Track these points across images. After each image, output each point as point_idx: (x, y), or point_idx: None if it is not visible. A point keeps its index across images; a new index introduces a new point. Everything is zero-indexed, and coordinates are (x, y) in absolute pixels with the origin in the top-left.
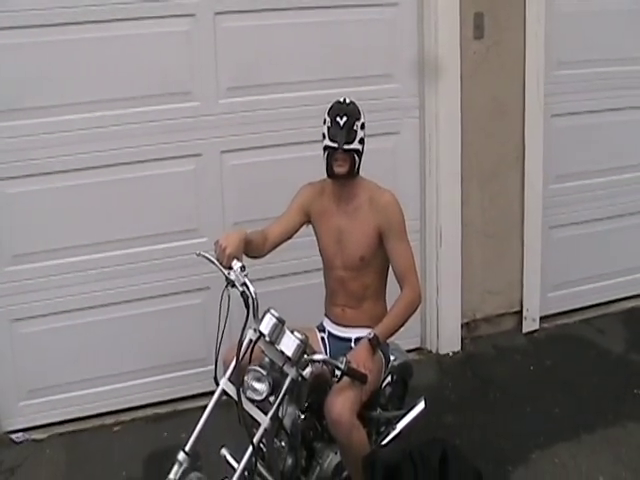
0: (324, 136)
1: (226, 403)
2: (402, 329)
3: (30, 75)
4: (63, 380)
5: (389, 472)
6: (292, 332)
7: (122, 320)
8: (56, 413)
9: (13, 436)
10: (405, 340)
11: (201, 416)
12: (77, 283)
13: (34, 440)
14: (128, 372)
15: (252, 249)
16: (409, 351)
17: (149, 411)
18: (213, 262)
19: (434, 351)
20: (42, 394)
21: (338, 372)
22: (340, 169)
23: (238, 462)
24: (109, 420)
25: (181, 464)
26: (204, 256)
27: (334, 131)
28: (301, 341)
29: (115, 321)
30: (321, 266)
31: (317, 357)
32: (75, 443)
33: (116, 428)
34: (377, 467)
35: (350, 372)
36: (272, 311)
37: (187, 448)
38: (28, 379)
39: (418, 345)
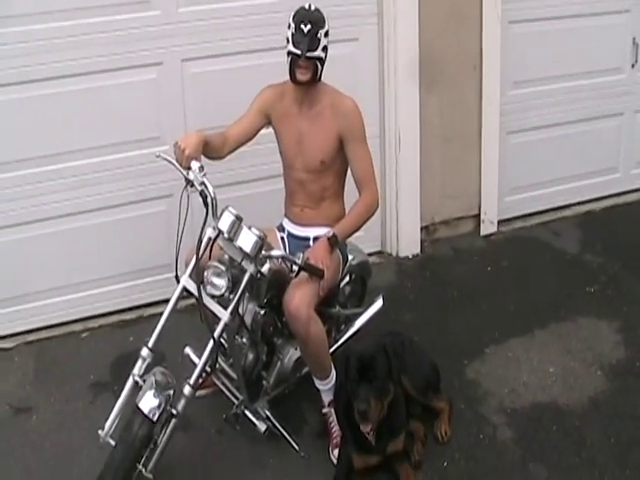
0: (288, 41)
1: (190, 308)
2: (362, 232)
3: None
4: (30, 289)
5: (363, 364)
6: (250, 228)
7: (87, 229)
8: (23, 322)
9: None
10: (366, 244)
11: (164, 312)
12: (42, 193)
13: (2, 349)
14: (95, 280)
15: (211, 150)
16: (370, 254)
17: (116, 317)
18: (172, 163)
19: (394, 254)
20: (9, 304)
21: (296, 268)
22: (302, 76)
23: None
24: (76, 327)
25: (144, 359)
26: (163, 157)
27: (298, 38)
28: (258, 237)
29: (80, 230)
30: (279, 173)
31: (275, 253)
32: (43, 350)
33: (84, 335)
34: (351, 359)
35: (307, 267)
36: (230, 209)
37: (150, 344)
38: None
39: (378, 249)
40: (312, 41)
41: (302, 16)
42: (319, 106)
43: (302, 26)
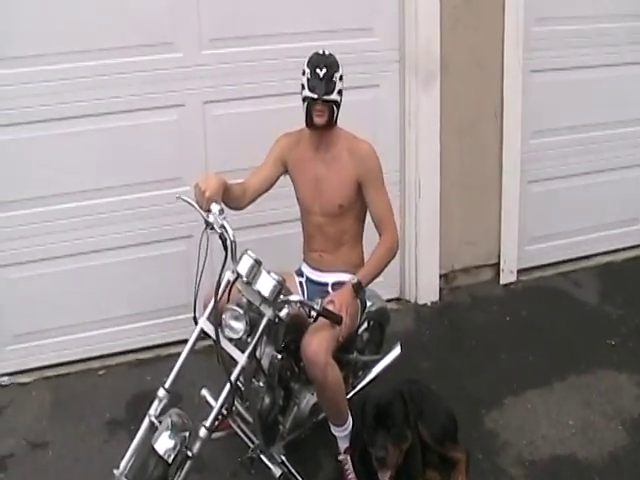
0: (303, 87)
1: (207, 350)
2: (381, 279)
3: (13, 23)
4: (49, 325)
5: (380, 410)
6: (269, 273)
7: (107, 267)
8: (42, 358)
9: None
10: (385, 290)
11: (181, 353)
12: (63, 230)
13: (20, 384)
14: (113, 318)
15: (231, 199)
16: (388, 301)
17: (133, 356)
18: (192, 205)
19: (413, 301)
20: (28, 339)
21: (314, 313)
22: (319, 119)
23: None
24: (94, 365)
25: (161, 400)
26: (184, 199)
27: (314, 82)
28: (277, 281)
29: (100, 268)
30: (299, 216)
31: (293, 298)
32: (60, 386)
33: (101, 372)
34: (368, 406)
35: (325, 313)
36: (249, 252)
37: (167, 385)
38: (14, 324)
39: (397, 295)
40: (328, 85)
41: (317, 61)
42: (335, 149)
43: (317, 70)
